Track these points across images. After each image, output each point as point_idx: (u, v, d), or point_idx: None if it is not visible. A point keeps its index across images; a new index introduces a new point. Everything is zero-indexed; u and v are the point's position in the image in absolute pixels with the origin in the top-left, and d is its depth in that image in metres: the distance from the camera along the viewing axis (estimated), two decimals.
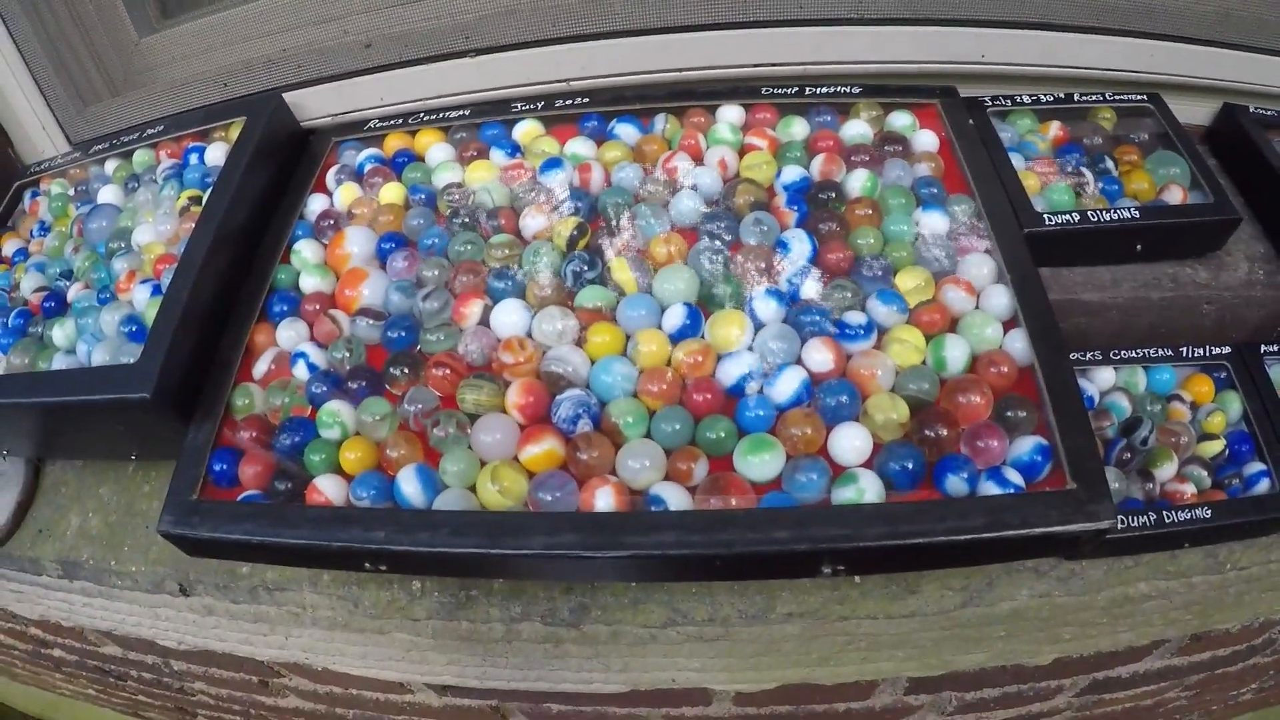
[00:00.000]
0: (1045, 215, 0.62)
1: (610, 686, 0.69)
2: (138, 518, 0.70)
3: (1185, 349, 0.67)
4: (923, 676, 0.73)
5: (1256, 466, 0.64)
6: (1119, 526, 0.60)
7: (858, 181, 0.61)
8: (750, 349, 0.54)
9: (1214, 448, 0.65)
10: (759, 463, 0.49)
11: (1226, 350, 0.68)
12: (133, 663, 0.97)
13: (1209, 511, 0.61)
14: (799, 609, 0.59)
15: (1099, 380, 0.66)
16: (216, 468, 0.54)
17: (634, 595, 0.59)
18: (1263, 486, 0.63)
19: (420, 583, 0.62)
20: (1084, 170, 0.66)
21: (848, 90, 0.66)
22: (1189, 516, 0.60)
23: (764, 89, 0.67)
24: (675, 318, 0.54)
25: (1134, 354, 0.67)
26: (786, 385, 0.51)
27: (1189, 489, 0.64)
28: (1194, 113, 0.75)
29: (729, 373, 0.52)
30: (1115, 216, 0.63)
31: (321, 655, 0.72)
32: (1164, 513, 0.60)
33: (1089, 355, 0.66)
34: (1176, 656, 0.80)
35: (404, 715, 0.92)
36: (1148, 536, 0.60)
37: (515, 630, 0.61)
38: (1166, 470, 0.64)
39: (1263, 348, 0.68)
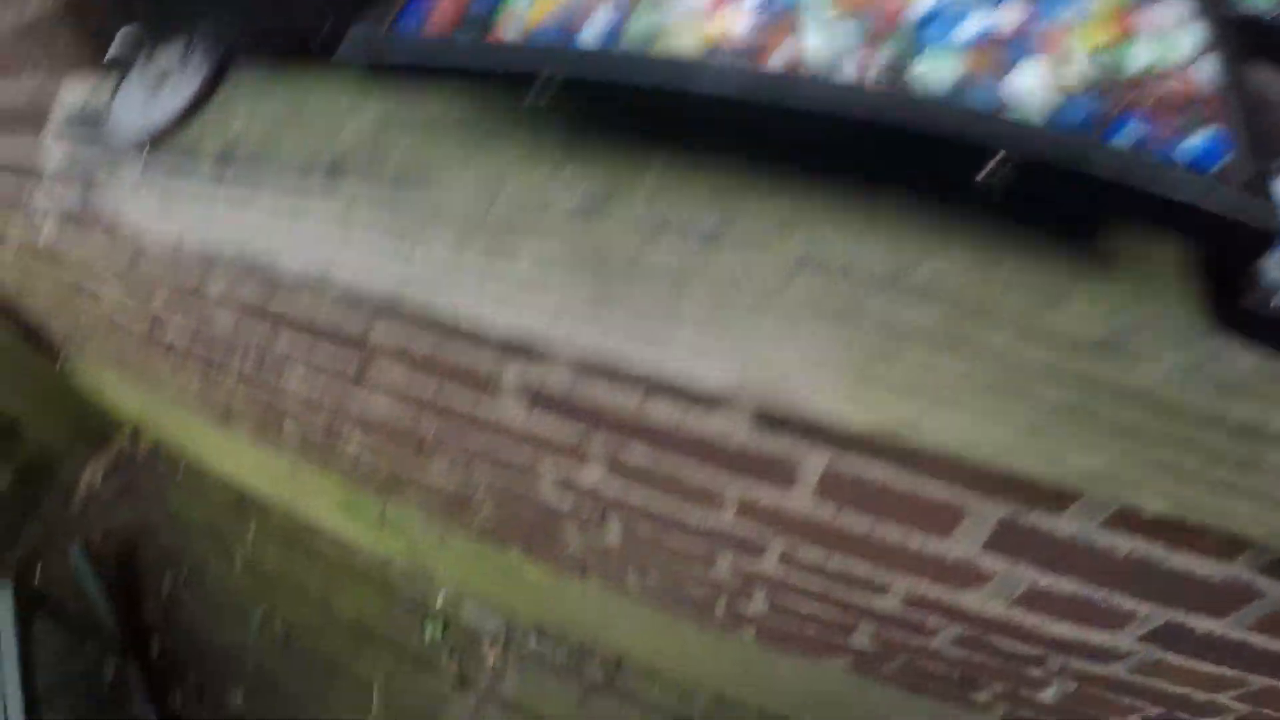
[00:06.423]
0: None
1: (715, 374, 0.70)
2: (304, 112, 0.79)
3: None
4: (1012, 523, 0.70)
5: None
6: None
7: None
8: None
9: None
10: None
11: None
12: (239, 340, 1.07)
13: None
14: (936, 283, 0.60)
15: None
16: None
17: (781, 216, 0.63)
18: None
19: (569, 168, 0.67)
20: None
21: None
22: None
23: None
24: None
25: None
26: (971, 26, 0.55)
27: None
28: None
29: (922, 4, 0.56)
30: None
31: (439, 287, 0.76)
32: None
33: None
34: None
35: (485, 434, 0.97)
36: None
37: (647, 250, 0.65)
38: None
39: None
